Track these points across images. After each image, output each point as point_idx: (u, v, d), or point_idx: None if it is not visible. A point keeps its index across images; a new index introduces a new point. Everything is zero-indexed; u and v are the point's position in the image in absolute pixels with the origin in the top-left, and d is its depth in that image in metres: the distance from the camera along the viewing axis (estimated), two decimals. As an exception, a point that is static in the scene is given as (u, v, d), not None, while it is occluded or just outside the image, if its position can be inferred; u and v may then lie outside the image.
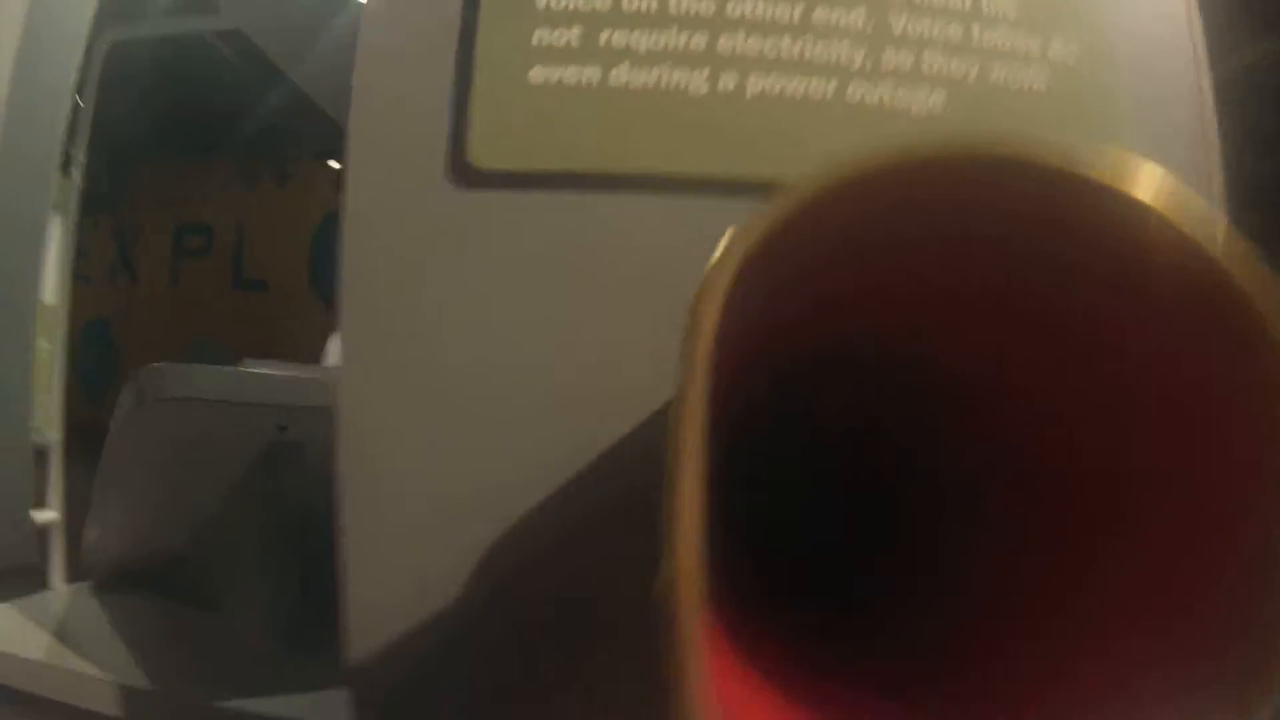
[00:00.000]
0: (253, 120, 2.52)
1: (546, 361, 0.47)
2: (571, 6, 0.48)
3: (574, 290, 0.47)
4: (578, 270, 0.47)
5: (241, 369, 0.78)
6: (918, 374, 0.37)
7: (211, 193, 2.79)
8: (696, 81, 0.48)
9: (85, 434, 0.95)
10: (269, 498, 0.89)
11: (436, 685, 0.47)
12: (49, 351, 1.51)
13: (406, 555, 0.47)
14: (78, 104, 1.63)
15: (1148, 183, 0.25)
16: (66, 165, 1.65)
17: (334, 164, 2.68)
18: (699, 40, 0.48)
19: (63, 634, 0.83)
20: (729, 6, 0.48)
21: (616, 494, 0.45)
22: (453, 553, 0.46)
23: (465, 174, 0.48)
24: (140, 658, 0.76)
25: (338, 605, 0.47)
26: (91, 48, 1.63)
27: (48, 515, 1.24)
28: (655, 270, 0.45)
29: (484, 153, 0.48)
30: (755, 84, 0.47)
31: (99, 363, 2.45)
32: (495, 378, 0.47)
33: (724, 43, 0.48)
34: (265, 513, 0.90)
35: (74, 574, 1.04)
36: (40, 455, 1.42)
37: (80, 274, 2.48)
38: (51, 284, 1.52)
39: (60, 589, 1.04)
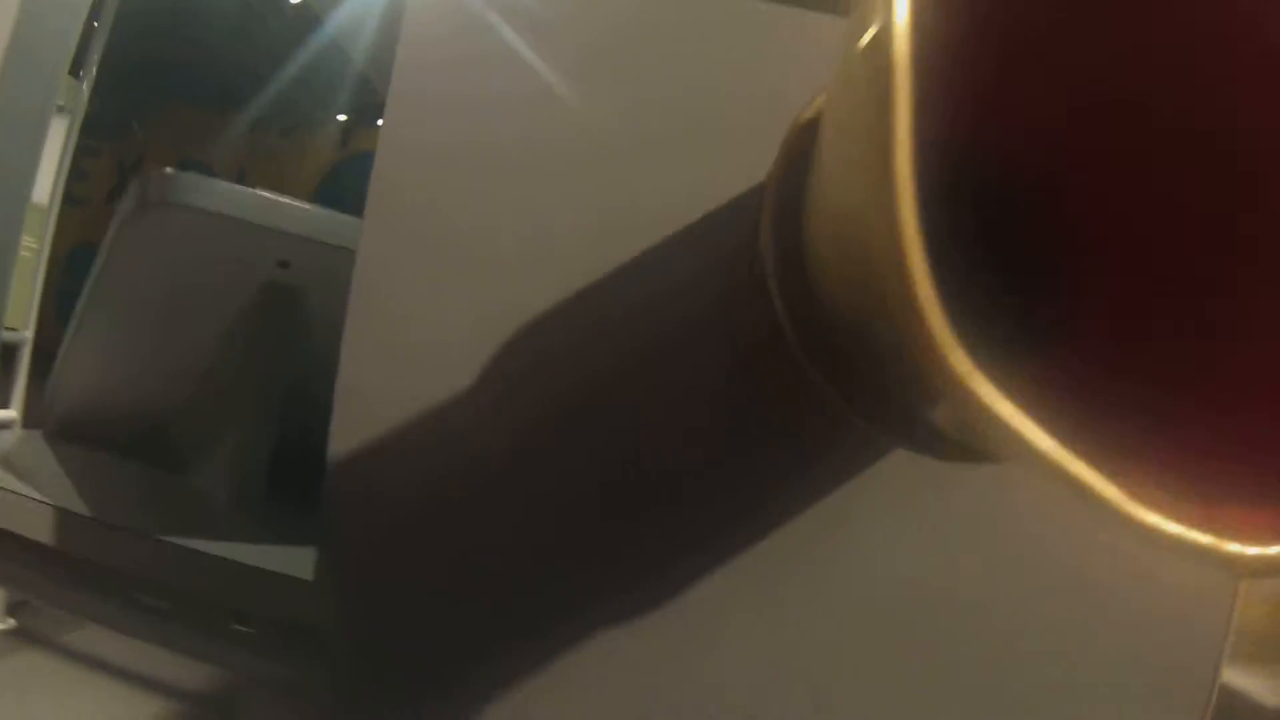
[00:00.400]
0: (266, 68, 2.52)
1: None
2: None
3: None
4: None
5: (252, 191, 0.76)
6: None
7: (216, 135, 2.78)
8: None
9: (52, 358, 0.93)
10: (255, 350, 0.87)
11: (412, 554, 0.47)
12: (34, 251, 1.49)
13: (402, 414, 0.47)
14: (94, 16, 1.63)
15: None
16: (76, 69, 1.64)
17: (341, 117, 2.67)
18: None
19: (6, 464, 0.79)
20: None
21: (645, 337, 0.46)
22: (449, 406, 0.47)
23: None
24: (89, 498, 0.73)
25: (313, 477, 0.47)
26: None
27: (6, 414, 1.20)
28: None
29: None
30: None
31: (80, 289, 2.42)
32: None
33: None
34: (249, 370, 0.87)
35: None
36: (8, 351, 1.40)
37: (77, 196, 2.45)
38: (46, 185, 1.50)
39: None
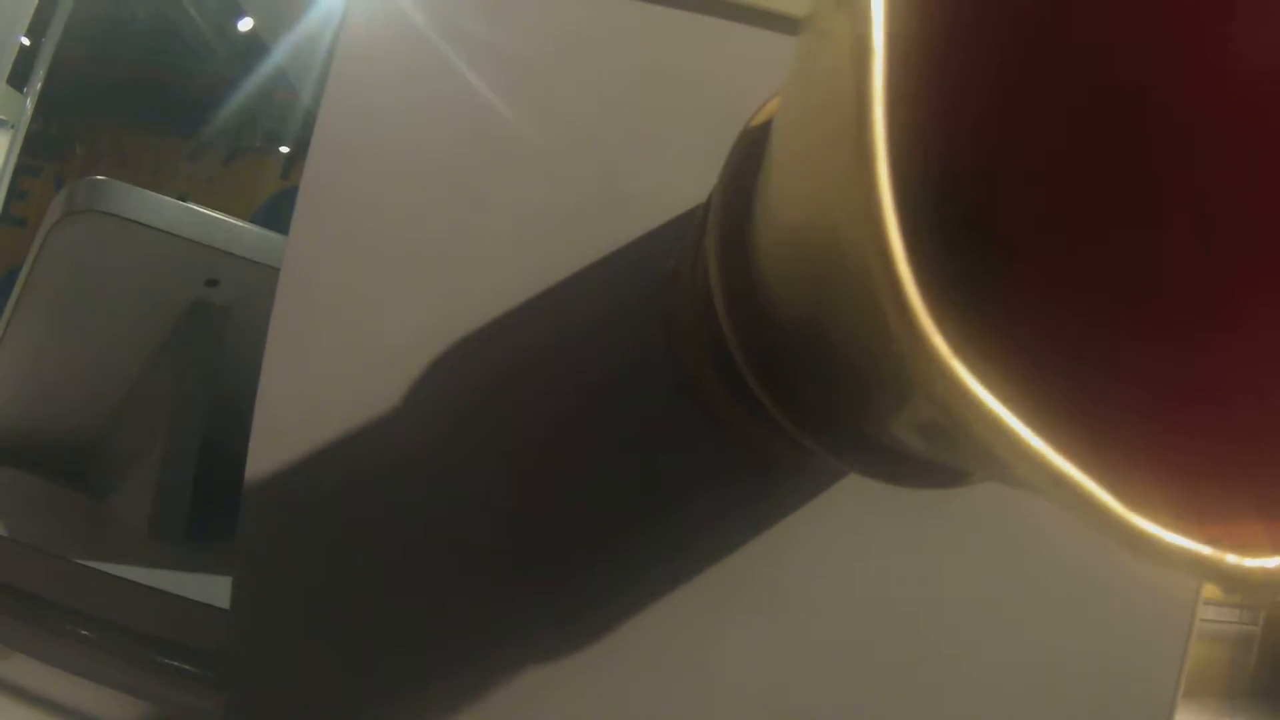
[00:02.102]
0: (211, 94, 2.52)
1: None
2: None
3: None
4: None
5: (183, 204, 0.76)
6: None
7: (156, 159, 2.75)
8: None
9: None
10: (181, 370, 0.86)
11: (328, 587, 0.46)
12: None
13: (321, 422, 0.46)
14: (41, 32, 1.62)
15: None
16: (20, 83, 1.62)
17: (283, 149, 2.67)
18: None
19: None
20: None
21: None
22: (369, 429, 0.46)
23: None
24: (6, 518, 0.72)
25: (232, 499, 0.46)
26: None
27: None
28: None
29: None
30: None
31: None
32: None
33: None
34: (173, 391, 0.87)
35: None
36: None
37: (16, 217, 2.42)
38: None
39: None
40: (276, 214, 2.56)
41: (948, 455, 0.23)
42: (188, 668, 0.64)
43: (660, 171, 0.46)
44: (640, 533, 0.45)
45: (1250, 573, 0.18)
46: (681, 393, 0.44)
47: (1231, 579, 0.18)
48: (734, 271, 0.32)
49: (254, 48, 2.28)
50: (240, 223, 0.80)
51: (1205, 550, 0.17)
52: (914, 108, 0.22)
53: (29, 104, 1.65)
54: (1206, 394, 0.26)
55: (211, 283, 0.80)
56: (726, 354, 0.34)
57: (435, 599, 0.46)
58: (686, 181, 0.44)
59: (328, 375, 0.46)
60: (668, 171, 0.46)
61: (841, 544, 0.45)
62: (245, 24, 2.41)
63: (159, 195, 0.77)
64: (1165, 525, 0.17)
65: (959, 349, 0.17)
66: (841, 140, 0.17)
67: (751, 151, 0.33)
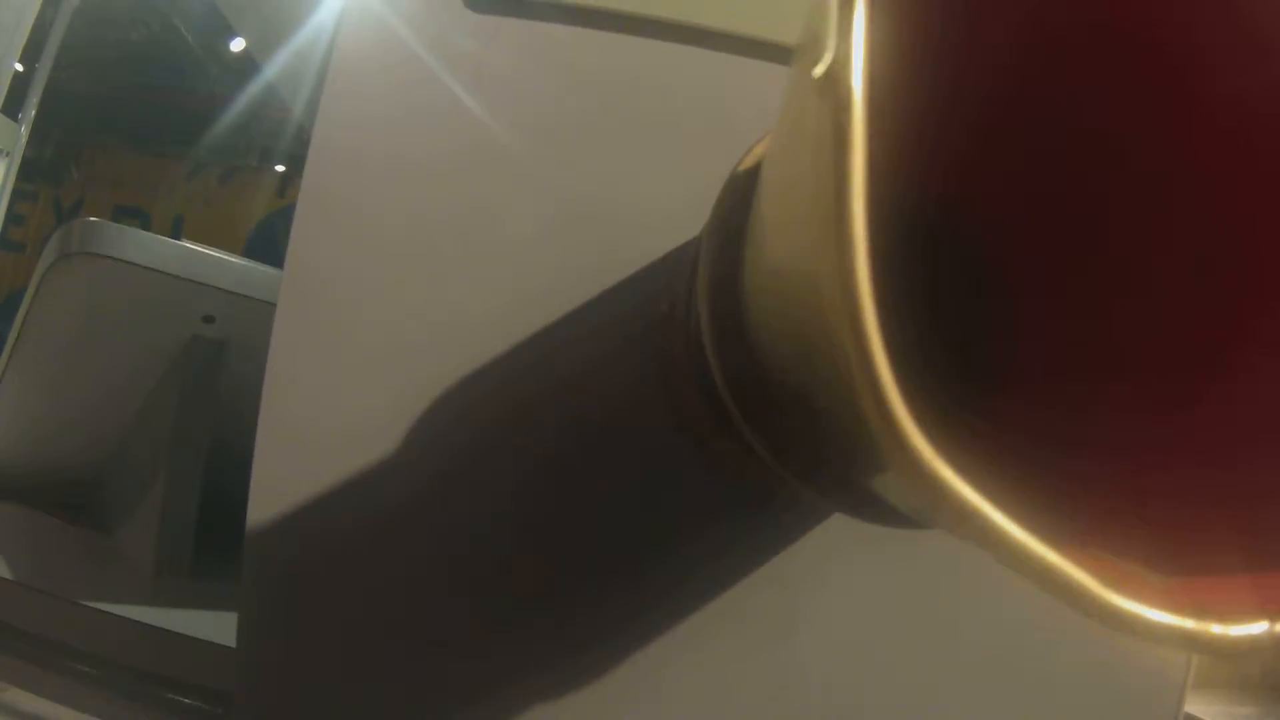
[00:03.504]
0: (205, 113, 2.53)
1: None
2: None
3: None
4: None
5: (178, 243, 0.76)
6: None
7: (154, 180, 2.76)
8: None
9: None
10: (180, 406, 0.87)
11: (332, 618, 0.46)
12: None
13: (322, 464, 0.46)
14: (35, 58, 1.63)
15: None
16: (14, 111, 1.63)
17: (279, 168, 2.68)
18: None
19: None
20: None
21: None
22: (371, 469, 0.46)
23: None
24: (12, 557, 0.73)
25: (236, 534, 0.46)
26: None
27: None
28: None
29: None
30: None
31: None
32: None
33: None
34: (173, 424, 0.87)
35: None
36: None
37: (14, 242, 2.43)
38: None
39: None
40: (273, 233, 2.57)
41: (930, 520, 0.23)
42: (197, 704, 0.65)
43: (658, 205, 0.46)
44: (639, 571, 0.45)
45: (1235, 641, 0.18)
46: (678, 430, 0.44)
47: (1217, 649, 0.18)
48: (723, 314, 0.32)
49: (247, 67, 2.29)
50: (233, 258, 0.80)
51: (1189, 624, 0.17)
52: (893, 179, 0.22)
53: (24, 131, 1.65)
54: (1190, 455, 0.26)
55: (208, 319, 0.81)
56: (717, 394, 0.34)
57: (438, 635, 0.46)
58: (685, 214, 0.44)
59: (325, 415, 0.46)
60: (665, 205, 0.45)
61: (836, 577, 0.45)
62: (237, 44, 2.41)
63: (152, 235, 0.78)
64: (1147, 598, 0.17)
65: (937, 442, 0.17)
66: (824, 227, 0.17)
67: (740, 197, 0.33)
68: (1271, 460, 0.24)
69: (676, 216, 0.45)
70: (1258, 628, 0.18)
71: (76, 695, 0.67)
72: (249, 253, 2.71)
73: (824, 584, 0.45)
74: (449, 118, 0.47)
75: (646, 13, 0.47)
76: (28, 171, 1.64)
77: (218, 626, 0.68)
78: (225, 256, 0.80)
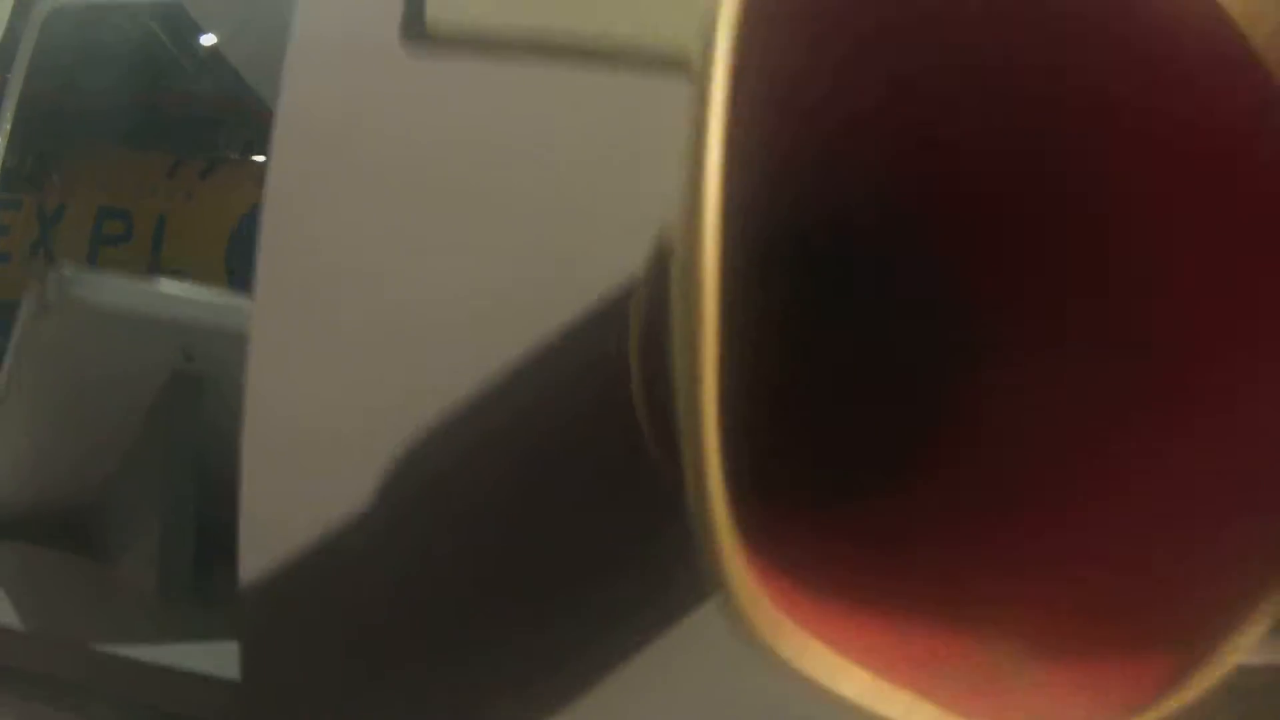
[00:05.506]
0: (182, 109, 2.51)
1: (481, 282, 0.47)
2: None
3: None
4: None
5: (152, 285, 0.78)
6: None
7: (135, 180, 2.74)
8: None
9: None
10: (168, 440, 0.88)
11: (330, 638, 0.48)
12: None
13: (307, 492, 0.48)
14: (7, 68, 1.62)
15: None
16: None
17: (259, 159, 2.67)
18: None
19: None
20: None
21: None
22: (357, 495, 0.47)
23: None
24: (15, 602, 0.74)
25: (234, 554, 0.48)
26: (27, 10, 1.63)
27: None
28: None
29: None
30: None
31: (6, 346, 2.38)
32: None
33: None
34: (163, 457, 0.89)
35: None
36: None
37: (0, 252, 2.42)
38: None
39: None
40: (253, 226, 2.55)
41: None
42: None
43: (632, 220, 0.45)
44: (631, 571, 0.47)
45: None
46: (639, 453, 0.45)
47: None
48: (651, 366, 0.33)
49: (216, 61, 2.27)
50: (209, 295, 0.82)
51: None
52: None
53: (1, 142, 1.65)
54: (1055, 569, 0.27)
55: (189, 357, 0.82)
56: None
57: (435, 659, 0.47)
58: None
59: (305, 434, 0.48)
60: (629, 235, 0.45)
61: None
62: (208, 39, 2.40)
63: (126, 280, 0.79)
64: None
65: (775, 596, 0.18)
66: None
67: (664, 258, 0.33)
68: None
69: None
70: (1164, 699, 0.20)
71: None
72: (235, 246, 2.71)
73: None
74: (403, 139, 0.49)
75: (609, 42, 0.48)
76: (9, 181, 1.64)
77: (219, 661, 0.69)
78: (199, 295, 0.81)
